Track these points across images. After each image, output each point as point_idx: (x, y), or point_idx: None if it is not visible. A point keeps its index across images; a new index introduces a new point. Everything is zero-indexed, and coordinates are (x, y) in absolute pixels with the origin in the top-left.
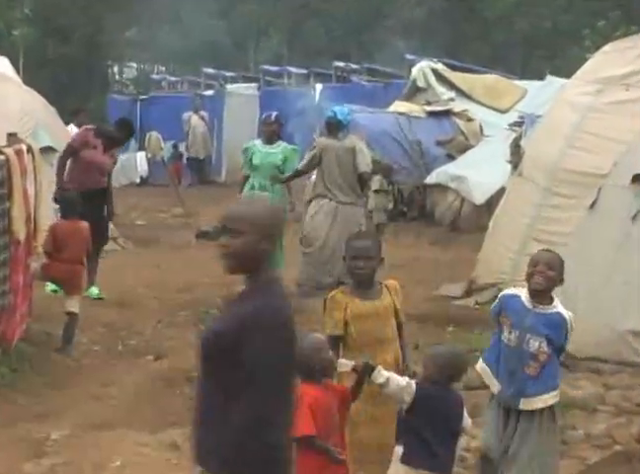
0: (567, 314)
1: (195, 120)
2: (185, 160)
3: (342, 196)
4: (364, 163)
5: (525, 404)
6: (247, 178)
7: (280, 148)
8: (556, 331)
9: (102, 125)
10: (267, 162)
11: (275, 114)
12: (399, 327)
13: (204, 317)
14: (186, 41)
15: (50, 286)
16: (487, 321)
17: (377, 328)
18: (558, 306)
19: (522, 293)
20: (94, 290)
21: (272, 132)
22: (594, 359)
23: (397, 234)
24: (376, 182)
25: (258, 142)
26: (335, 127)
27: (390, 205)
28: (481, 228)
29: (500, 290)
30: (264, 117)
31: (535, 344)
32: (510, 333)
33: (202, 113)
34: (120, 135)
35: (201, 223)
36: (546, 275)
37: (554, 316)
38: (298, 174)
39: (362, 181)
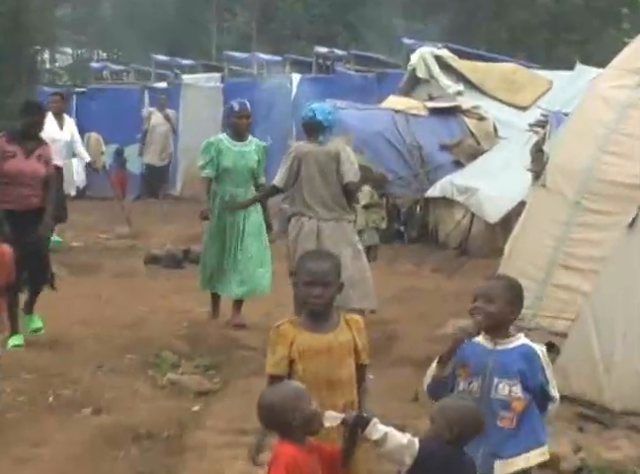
0: (537, 347)
1: (156, 119)
2: (141, 168)
3: (325, 212)
4: (351, 171)
5: (503, 468)
6: (211, 180)
7: (253, 146)
8: (528, 366)
9: (13, 127)
10: (242, 165)
11: (247, 102)
12: (360, 369)
13: (157, 361)
14: (132, 21)
15: None
16: None
17: (328, 367)
18: (522, 338)
19: (482, 335)
20: (34, 323)
21: (246, 127)
22: (634, 414)
23: (392, 259)
24: (366, 195)
25: (225, 137)
26: (314, 130)
27: (384, 224)
28: (495, 252)
29: (520, 329)
30: (236, 106)
31: (505, 389)
32: (469, 384)
33: (169, 111)
34: (30, 121)
35: (152, 246)
36: (485, 311)
37: (521, 349)
38: (273, 192)
39: (349, 193)
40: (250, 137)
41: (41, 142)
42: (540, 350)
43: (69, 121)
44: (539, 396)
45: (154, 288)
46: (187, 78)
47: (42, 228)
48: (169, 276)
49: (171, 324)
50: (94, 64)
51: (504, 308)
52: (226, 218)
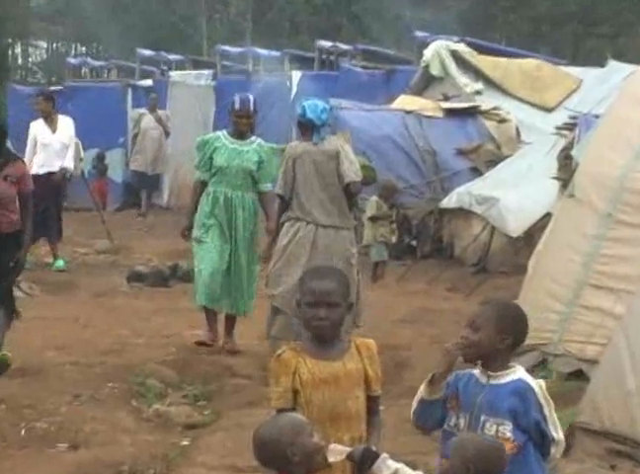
0: (534, 382)
1: (146, 122)
2: (127, 175)
3: (323, 216)
4: (352, 171)
5: None
6: (204, 185)
7: (254, 146)
8: (521, 403)
9: None
10: (236, 164)
11: (252, 99)
12: (371, 401)
13: (141, 391)
14: (114, 12)
15: None
16: None
17: (333, 398)
18: (519, 371)
19: (477, 369)
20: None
21: (248, 126)
22: None
23: (403, 277)
24: (373, 205)
25: (224, 134)
26: (307, 129)
27: (393, 238)
28: (517, 269)
29: (544, 355)
30: (237, 104)
31: (492, 428)
32: (458, 418)
33: (162, 112)
34: None
35: (135, 262)
36: (469, 340)
37: (514, 384)
38: (283, 203)
39: (350, 195)
40: (253, 137)
41: (10, 160)
42: (537, 384)
43: (64, 123)
44: (537, 437)
45: (138, 309)
46: (175, 75)
47: (19, 254)
48: (154, 296)
49: (157, 349)
50: (71, 60)
51: (491, 337)
52: (219, 218)
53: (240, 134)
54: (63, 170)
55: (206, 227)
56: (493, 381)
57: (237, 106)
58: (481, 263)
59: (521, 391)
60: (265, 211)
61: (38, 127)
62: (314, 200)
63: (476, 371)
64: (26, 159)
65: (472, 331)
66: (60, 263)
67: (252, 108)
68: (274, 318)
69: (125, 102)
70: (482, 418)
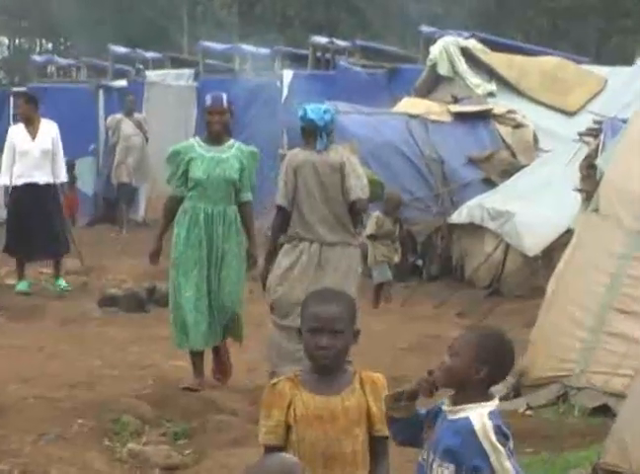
0: (482, 423)
1: (127, 128)
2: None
3: (328, 233)
4: (359, 187)
5: None
6: (179, 201)
7: (233, 151)
8: (460, 445)
9: None
10: (217, 174)
11: (225, 96)
12: (376, 442)
13: (114, 428)
14: (84, 5)
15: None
16: (548, 437)
17: (328, 437)
18: (477, 409)
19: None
20: None
21: (223, 126)
22: None
23: (408, 301)
24: (373, 222)
25: (197, 141)
26: (309, 133)
27: (396, 257)
28: (535, 292)
29: (566, 388)
30: (209, 100)
31: (438, 471)
32: (423, 450)
33: (138, 115)
34: None
35: (108, 284)
36: (444, 365)
37: (460, 423)
38: (284, 216)
39: (356, 212)
40: (231, 141)
41: None
42: (483, 426)
43: (47, 127)
44: None
45: (111, 337)
46: (152, 75)
47: None
48: (129, 322)
49: (132, 382)
50: (36, 57)
51: (466, 366)
52: (199, 240)
53: (216, 137)
54: (60, 184)
55: (183, 251)
56: (449, 416)
57: (208, 102)
58: (494, 285)
59: (463, 432)
60: (245, 227)
61: (16, 133)
62: (317, 215)
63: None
64: (2, 169)
65: (449, 356)
66: (62, 282)
67: (225, 104)
68: (277, 348)
69: (97, 105)
70: (431, 456)
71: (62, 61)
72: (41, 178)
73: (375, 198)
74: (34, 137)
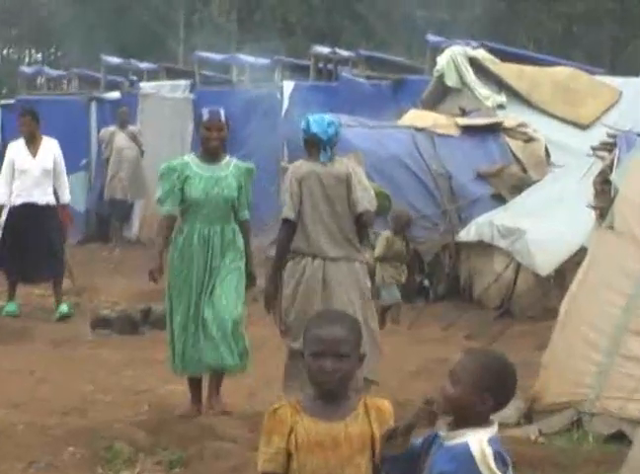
0: (480, 446)
1: (120, 140)
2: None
3: (332, 248)
4: (366, 199)
5: None
6: (172, 220)
7: (230, 169)
8: (455, 472)
9: None
10: (215, 194)
11: (223, 111)
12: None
13: (107, 456)
14: (75, 14)
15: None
16: (562, 465)
17: (329, 465)
18: (476, 434)
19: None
20: None
21: (220, 143)
22: None
23: (414, 322)
24: (382, 243)
25: (192, 159)
26: (312, 146)
27: (403, 277)
28: (547, 313)
29: (579, 414)
30: (205, 115)
31: None
32: None
33: (133, 128)
34: None
35: (101, 305)
36: (445, 393)
37: (457, 448)
38: (289, 229)
39: (362, 225)
40: (227, 158)
41: None
42: (482, 452)
43: (48, 145)
44: None
45: (104, 361)
46: (146, 86)
47: None
48: (123, 345)
49: (126, 407)
50: (25, 69)
51: (469, 396)
52: (193, 262)
53: (212, 155)
54: (62, 205)
55: (176, 274)
56: (446, 442)
57: (205, 116)
58: (504, 306)
59: (460, 457)
60: (245, 250)
61: (16, 150)
62: (322, 229)
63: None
64: (1, 187)
65: (451, 383)
66: (64, 308)
67: (223, 119)
68: (293, 375)
69: (89, 118)
70: None
71: (53, 72)
72: (41, 197)
73: (382, 212)
74: (34, 155)
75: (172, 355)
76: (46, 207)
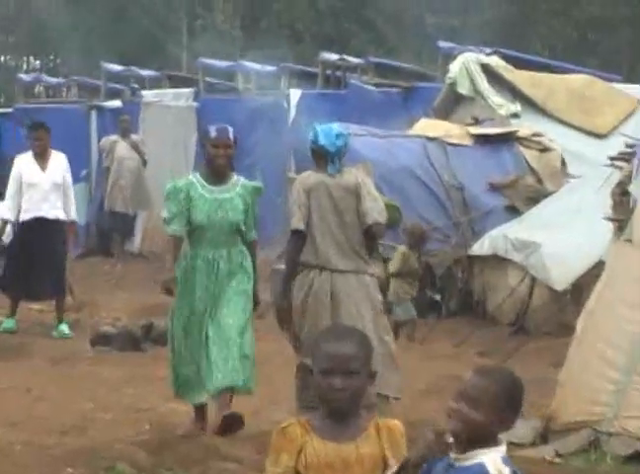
0: (496, 466)
1: (121, 150)
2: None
3: (340, 260)
4: (376, 210)
5: None
6: (180, 240)
7: (237, 190)
8: None
9: None
10: (219, 218)
11: (230, 128)
12: None
13: None
14: (75, 20)
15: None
16: None
17: None
18: (489, 453)
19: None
20: None
21: (227, 161)
22: None
23: (426, 338)
24: (398, 258)
25: (197, 179)
26: (320, 158)
27: (414, 291)
28: (563, 330)
29: (597, 434)
30: (212, 132)
31: None
32: None
33: (135, 137)
34: None
35: (101, 321)
36: (466, 418)
37: (473, 470)
38: (299, 240)
39: (371, 237)
40: (234, 177)
41: None
42: (499, 471)
43: (57, 159)
44: None
45: (104, 378)
46: (148, 94)
47: None
48: (124, 362)
49: (127, 426)
50: (23, 76)
51: (492, 418)
52: (195, 288)
53: (218, 174)
54: (71, 222)
55: (179, 298)
56: (458, 463)
57: (213, 134)
58: (519, 321)
59: None
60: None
61: (25, 163)
62: (330, 240)
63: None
64: (7, 201)
65: (471, 407)
66: (64, 328)
67: (231, 136)
68: (306, 385)
69: (89, 127)
70: None
71: (51, 80)
72: (50, 212)
73: (393, 224)
74: (44, 169)
75: (174, 379)
76: (56, 222)
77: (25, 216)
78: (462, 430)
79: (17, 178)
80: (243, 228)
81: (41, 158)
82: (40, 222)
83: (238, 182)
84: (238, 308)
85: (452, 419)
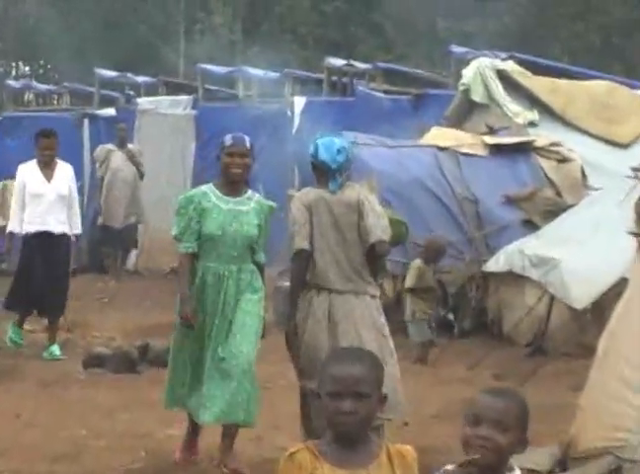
0: None
1: (116, 160)
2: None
3: (340, 281)
4: (379, 227)
5: None
6: (193, 258)
7: (252, 204)
8: None
9: None
10: (233, 230)
11: (247, 138)
12: None
13: None
14: (67, 24)
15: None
16: None
17: None
18: None
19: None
20: None
21: (243, 172)
22: None
23: (438, 360)
24: (413, 273)
25: (211, 190)
26: (320, 173)
27: (432, 310)
28: (584, 351)
29: (620, 461)
30: (228, 140)
31: None
32: None
33: (132, 147)
34: None
35: (94, 341)
36: (494, 443)
37: None
38: (303, 260)
39: (376, 257)
40: (249, 192)
41: None
42: None
43: (63, 169)
44: None
45: (98, 403)
46: (143, 102)
47: None
48: (119, 385)
49: (122, 454)
50: (11, 83)
51: (516, 440)
52: (206, 305)
53: (234, 184)
54: (75, 236)
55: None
56: None
57: (229, 142)
58: (537, 342)
59: None
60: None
61: (29, 173)
62: (330, 260)
63: None
64: (11, 213)
65: (499, 431)
66: (56, 349)
67: (248, 145)
68: (306, 413)
69: (81, 136)
70: None
71: (42, 87)
72: (57, 227)
73: (399, 240)
74: (49, 180)
75: (168, 388)
76: (62, 236)
77: (29, 229)
78: (488, 457)
79: (21, 189)
80: (255, 246)
81: (47, 168)
82: (45, 237)
83: (253, 196)
84: (252, 334)
85: (479, 446)
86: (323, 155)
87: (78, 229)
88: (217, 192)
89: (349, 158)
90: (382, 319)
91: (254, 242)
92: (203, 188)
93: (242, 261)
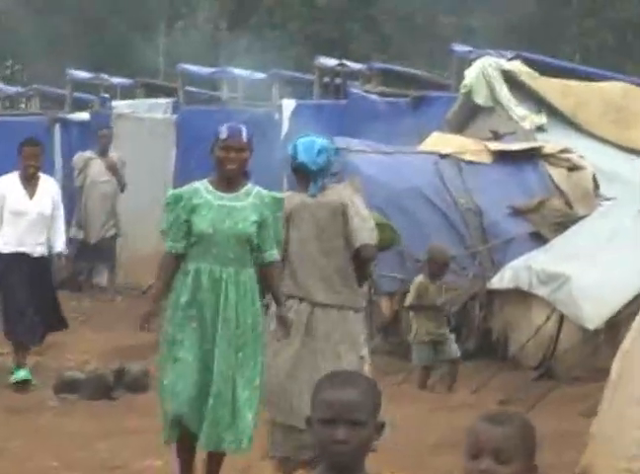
0: None
1: (95, 170)
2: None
3: (322, 291)
4: (365, 230)
5: None
6: (177, 259)
7: (250, 199)
8: None
9: None
10: (226, 228)
11: (245, 129)
12: None
13: None
14: (37, 21)
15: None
16: None
17: None
18: None
19: None
20: None
21: (239, 167)
22: None
23: (438, 383)
24: (415, 288)
25: (204, 185)
26: (301, 176)
27: (439, 331)
28: (597, 374)
29: None
30: (224, 132)
31: None
32: None
33: (114, 155)
34: None
35: (67, 364)
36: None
37: None
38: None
39: (361, 262)
40: (249, 185)
41: None
42: None
43: (47, 184)
44: None
45: (70, 431)
46: (120, 105)
47: None
48: (93, 412)
49: None
50: None
51: (524, 469)
52: (204, 309)
53: (229, 180)
54: (58, 254)
55: (182, 326)
56: None
57: (223, 135)
58: (546, 365)
59: None
60: (272, 292)
61: (10, 188)
62: (310, 269)
63: None
64: None
65: (500, 463)
66: (25, 373)
67: (245, 138)
68: (272, 430)
69: (52, 142)
70: None
71: (9, 89)
72: (34, 248)
73: (388, 244)
74: (32, 196)
75: (164, 419)
76: (40, 259)
77: (3, 249)
78: None
79: (1, 204)
80: (254, 243)
81: (30, 182)
82: (22, 260)
83: (252, 190)
84: (257, 355)
85: None
86: (302, 156)
87: (61, 247)
88: (210, 187)
89: (330, 160)
90: (362, 338)
91: (252, 241)
92: (196, 184)
93: (240, 263)
